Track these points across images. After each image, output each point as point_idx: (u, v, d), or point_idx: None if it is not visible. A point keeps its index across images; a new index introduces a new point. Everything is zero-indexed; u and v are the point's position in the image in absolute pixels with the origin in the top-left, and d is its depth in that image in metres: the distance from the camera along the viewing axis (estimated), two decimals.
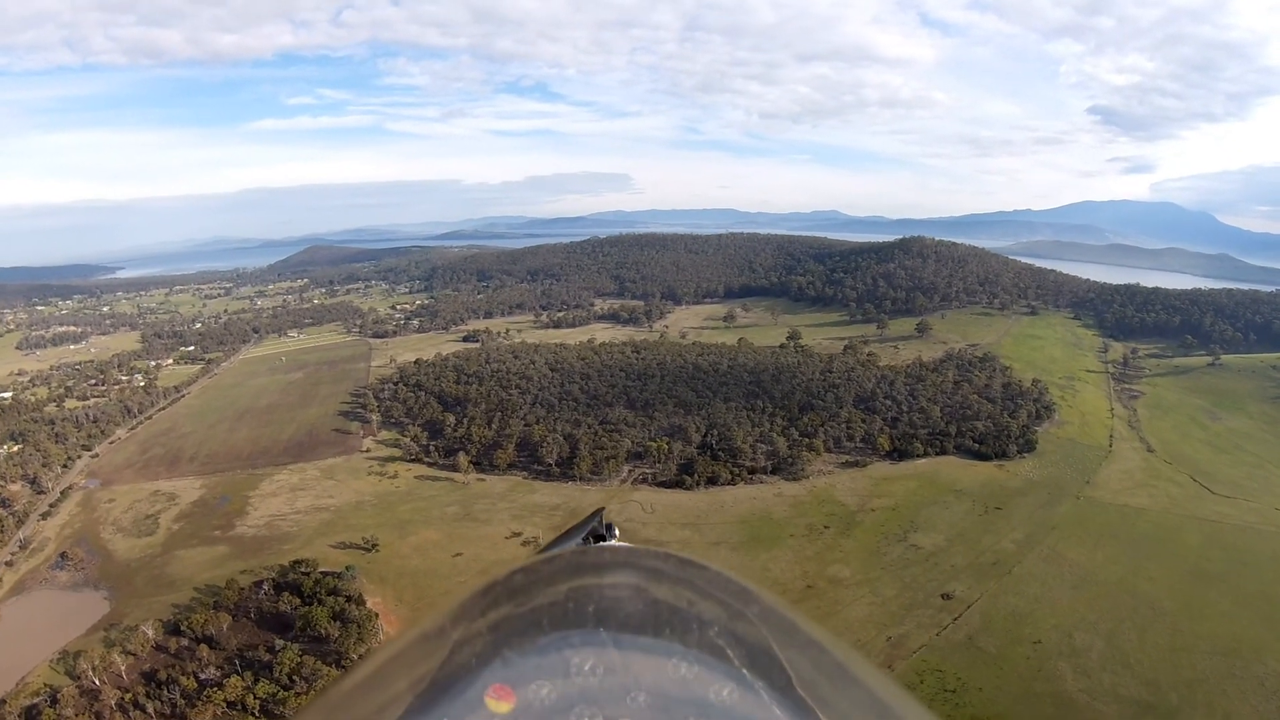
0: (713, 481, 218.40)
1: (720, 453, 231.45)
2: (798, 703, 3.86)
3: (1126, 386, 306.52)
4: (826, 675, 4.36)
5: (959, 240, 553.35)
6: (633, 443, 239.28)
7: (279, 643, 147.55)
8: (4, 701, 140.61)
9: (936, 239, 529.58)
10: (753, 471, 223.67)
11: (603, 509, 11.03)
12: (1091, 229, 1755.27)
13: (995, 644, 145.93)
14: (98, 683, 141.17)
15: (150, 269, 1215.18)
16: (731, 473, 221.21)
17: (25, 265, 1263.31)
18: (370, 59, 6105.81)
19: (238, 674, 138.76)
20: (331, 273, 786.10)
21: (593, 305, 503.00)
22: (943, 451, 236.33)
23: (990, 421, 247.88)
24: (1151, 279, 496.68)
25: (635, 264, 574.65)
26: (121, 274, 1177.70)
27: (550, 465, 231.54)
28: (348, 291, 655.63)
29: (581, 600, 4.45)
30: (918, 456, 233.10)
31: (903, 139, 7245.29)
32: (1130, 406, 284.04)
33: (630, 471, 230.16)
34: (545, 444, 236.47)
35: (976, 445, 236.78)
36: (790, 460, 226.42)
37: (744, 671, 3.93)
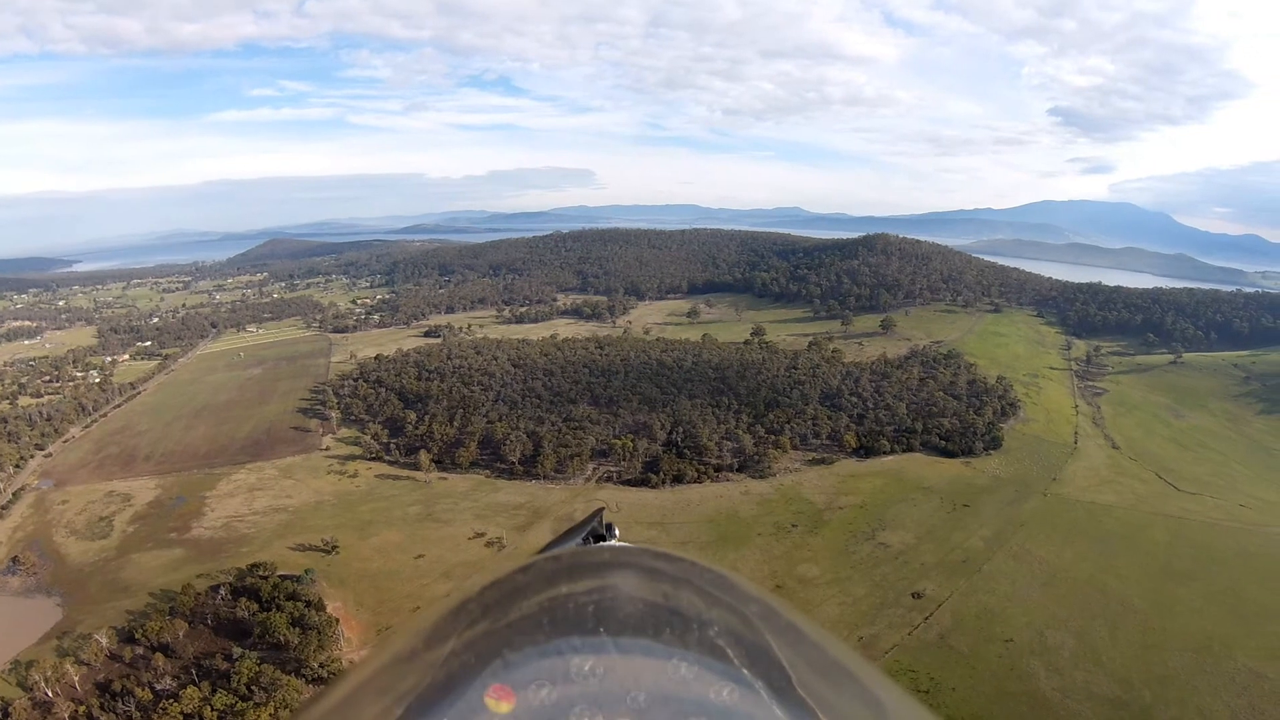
0: (679, 480, 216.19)
1: (686, 450, 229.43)
2: (797, 702, 3.86)
3: (1090, 384, 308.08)
4: (826, 675, 4.37)
5: (921, 238, 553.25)
6: (597, 440, 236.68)
7: (237, 651, 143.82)
8: None
9: (900, 236, 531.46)
10: (719, 469, 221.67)
11: (602, 509, 10.75)
12: (1051, 228, 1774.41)
13: (967, 643, 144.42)
14: (50, 694, 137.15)
15: (108, 262, 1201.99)
16: (698, 471, 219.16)
17: None
18: (333, 50, 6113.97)
19: (195, 684, 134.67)
20: (292, 266, 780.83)
21: (555, 300, 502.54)
22: (909, 449, 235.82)
23: (956, 419, 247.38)
24: (1111, 278, 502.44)
25: (598, 259, 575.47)
26: (79, 267, 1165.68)
27: (513, 464, 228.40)
28: (308, 286, 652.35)
29: (581, 600, 4.45)
30: (884, 454, 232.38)
31: (865, 137, 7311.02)
32: (1094, 404, 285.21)
33: (595, 470, 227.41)
34: (508, 442, 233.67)
35: (943, 442, 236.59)
36: (757, 458, 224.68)
37: (744, 671, 3.94)
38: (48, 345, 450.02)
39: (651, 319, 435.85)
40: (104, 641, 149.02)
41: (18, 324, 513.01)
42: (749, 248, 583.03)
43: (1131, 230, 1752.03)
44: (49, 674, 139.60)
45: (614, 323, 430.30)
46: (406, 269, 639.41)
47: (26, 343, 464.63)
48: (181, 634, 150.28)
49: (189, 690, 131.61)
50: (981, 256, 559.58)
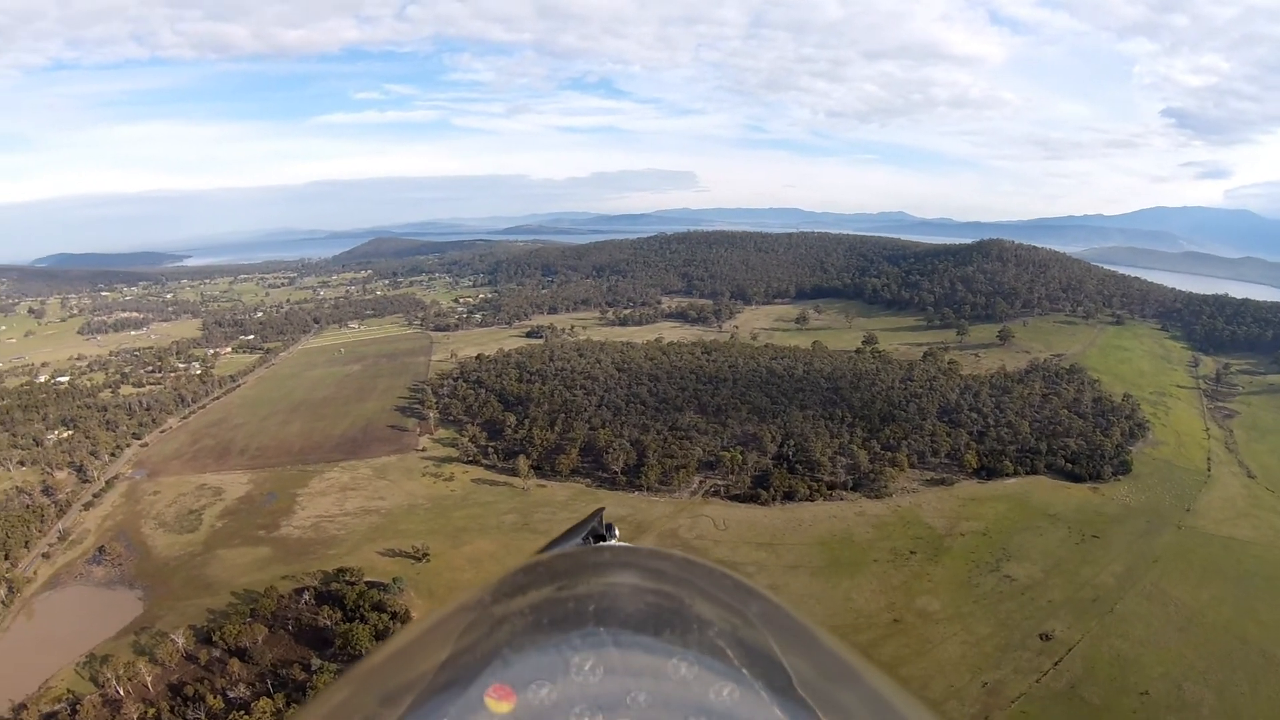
0: (789, 497, 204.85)
1: (797, 465, 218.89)
2: (798, 703, 3.89)
3: (1220, 405, 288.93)
4: (827, 675, 4.40)
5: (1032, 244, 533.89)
6: (704, 451, 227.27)
7: (315, 661, 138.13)
8: (25, 706, 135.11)
9: (1016, 242, 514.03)
10: (832, 487, 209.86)
11: (602, 509, 10.29)
12: (1165, 235, 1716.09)
13: (1100, 695, 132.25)
14: (121, 693, 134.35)
15: (218, 258, 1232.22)
16: (809, 488, 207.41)
17: (94, 252, 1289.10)
18: (435, 54, 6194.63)
19: (269, 695, 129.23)
20: (396, 264, 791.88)
21: (660, 303, 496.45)
22: (1033, 471, 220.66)
23: (1083, 439, 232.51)
24: (1231, 290, 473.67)
25: (703, 262, 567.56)
26: (189, 262, 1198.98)
27: (616, 473, 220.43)
28: (411, 283, 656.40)
29: (581, 600, 4.52)
30: (1007, 475, 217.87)
31: (971, 140, 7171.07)
32: (1226, 427, 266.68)
33: (701, 483, 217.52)
34: (611, 450, 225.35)
35: (1069, 465, 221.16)
36: (872, 476, 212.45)
37: (744, 671, 3.98)
38: (153, 336, 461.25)
39: (759, 324, 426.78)
40: (180, 641, 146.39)
41: (126, 315, 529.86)
42: (857, 252, 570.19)
43: (1249, 239, 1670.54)
44: (121, 672, 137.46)
45: (720, 327, 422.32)
46: (509, 269, 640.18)
47: (133, 333, 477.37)
48: (260, 639, 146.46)
49: (262, 702, 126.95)
50: (1096, 265, 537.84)
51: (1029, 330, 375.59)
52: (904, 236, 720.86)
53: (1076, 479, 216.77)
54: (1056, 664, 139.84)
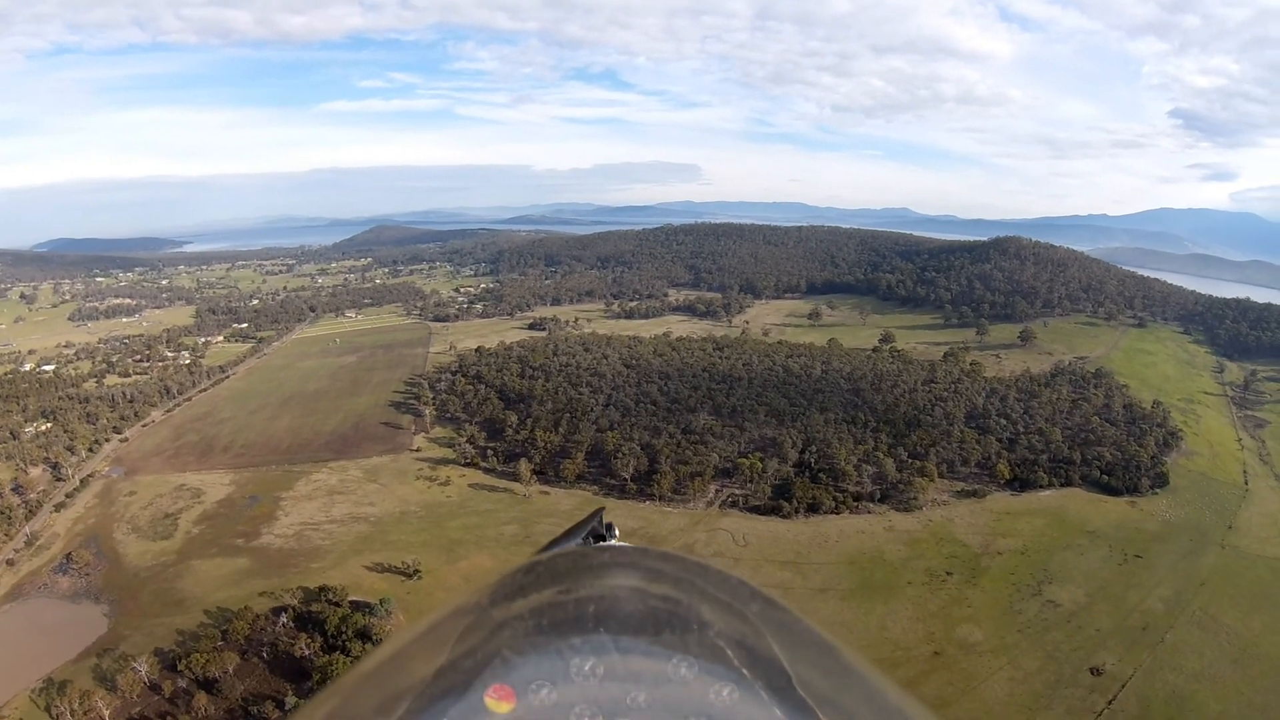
0: (813, 509, 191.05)
1: (820, 474, 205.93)
2: (797, 703, 3.89)
3: (1249, 413, 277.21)
4: (826, 675, 4.40)
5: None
6: (720, 457, 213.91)
7: (290, 699, 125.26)
8: None
9: (1034, 240, 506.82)
10: (858, 498, 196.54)
11: (602, 508, 10.11)
12: (1170, 237, 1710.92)
13: None
14: None
15: (217, 244, 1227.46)
16: (834, 499, 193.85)
17: (94, 237, 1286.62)
18: (439, 42, 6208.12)
19: None
20: (396, 253, 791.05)
21: (666, 295, 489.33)
22: (1068, 482, 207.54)
23: (1116, 449, 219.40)
24: (1241, 293, 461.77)
25: (711, 254, 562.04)
26: (188, 248, 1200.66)
27: (625, 480, 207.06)
28: (411, 272, 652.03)
29: (581, 601, 4.56)
30: (1041, 487, 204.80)
31: (977, 137, 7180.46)
32: (1257, 437, 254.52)
33: (718, 492, 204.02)
34: (620, 455, 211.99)
35: (1105, 477, 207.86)
36: (900, 486, 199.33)
37: (744, 671, 3.99)
38: (144, 324, 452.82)
39: (769, 319, 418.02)
40: (143, 670, 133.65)
41: (118, 301, 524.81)
42: (869, 247, 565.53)
43: (1255, 242, 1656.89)
44: (77, 705, 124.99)
45: (730, 322, 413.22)
46: (512, 258, 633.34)
47: (124, 320, 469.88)
48: (231, 668, 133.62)
49: None
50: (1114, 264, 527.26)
51: (1050, 331, 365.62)
52: (910, 233, 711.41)
53: (1113, 492, 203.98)
54: (1110, 702, 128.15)
